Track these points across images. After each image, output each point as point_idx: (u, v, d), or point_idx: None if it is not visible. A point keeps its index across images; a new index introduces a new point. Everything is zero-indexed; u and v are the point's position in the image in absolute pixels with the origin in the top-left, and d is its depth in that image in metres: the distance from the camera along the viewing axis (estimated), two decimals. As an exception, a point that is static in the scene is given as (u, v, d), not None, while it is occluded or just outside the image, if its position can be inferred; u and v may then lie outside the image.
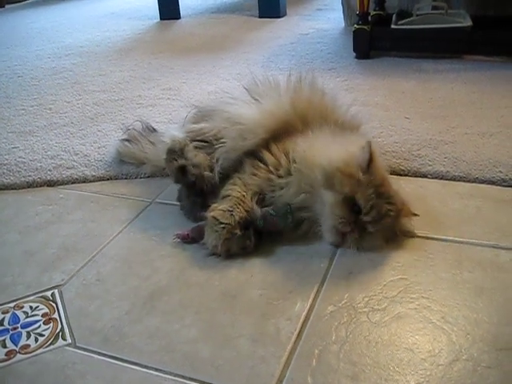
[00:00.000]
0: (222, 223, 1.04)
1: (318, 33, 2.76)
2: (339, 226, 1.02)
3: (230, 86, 1.97)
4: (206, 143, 1.20)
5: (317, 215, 1.06)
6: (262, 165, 1.11)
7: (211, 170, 1.16)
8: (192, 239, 1.10)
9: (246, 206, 1.07)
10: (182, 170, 1.15)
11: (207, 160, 1.17)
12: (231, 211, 1.05)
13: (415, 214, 1.08)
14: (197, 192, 1.16)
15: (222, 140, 1.18)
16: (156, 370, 0.82)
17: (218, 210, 1.06)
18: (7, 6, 4.29)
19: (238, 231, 1.04)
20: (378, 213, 1.01)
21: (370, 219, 1.01)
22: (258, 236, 1.07)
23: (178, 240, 1.11)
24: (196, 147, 1.20)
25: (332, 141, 1.09)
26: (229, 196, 1.09)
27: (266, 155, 1.12)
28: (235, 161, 1.17)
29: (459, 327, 0.86)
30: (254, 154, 1.14)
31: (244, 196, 1.08)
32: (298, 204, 1.06)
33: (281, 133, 1.14)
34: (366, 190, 1.01)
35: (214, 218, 1.05)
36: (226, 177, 1.16)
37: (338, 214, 1.01)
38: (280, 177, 1.09)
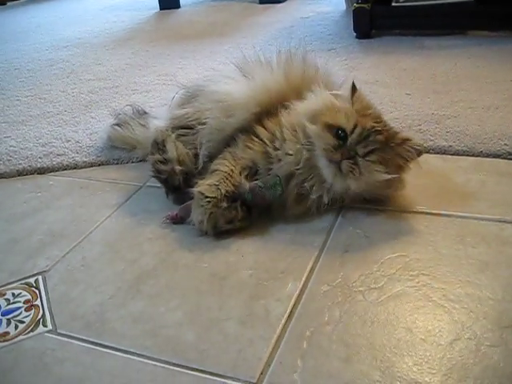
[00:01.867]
0: (207, 197, 1.00)
1: (318, 16, 2.71)
2: (329, 154, 0.98)
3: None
4: (190, 129, 1.16)
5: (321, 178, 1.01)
6: (255, 139, 1.06)
7: (193, 161, 1.13)
8: (181, 218, 1.06)
9: (234, 180, 1.03)
10: (160, 162, 1.13)
11: (184, 152, 1.14)
12: (217, 185, 1.01)
13: (408, 139, 1.03)
14: (172, 188, 1.13)
15: (205, 120, 1.13)
16: (138, 355, 0.78)
17: (204, 185, 1.02)
18: (9, 3, 4.27)
19: (225, 204, 0.99)
20: (364, 129, 0.97)
21: (357, 138, 0.97)
22: (248, 211, 1.03)
23: (168, 221, 1.07)
24: (179, 135, 1.16)
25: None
26: (216, 171, 1.05)
27: (259, 130, 1.08)
28: (223, 142, 1.12)
29: (461, 305, 0.80)
30: (248, 130, 1.09)
31: (232, 170, 1.04)
32: (302, 170, 1.02)
33: (275, 107, 1.09)
34: (348, 113, 0.99)
35: (200, 192, 1.01)
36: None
37: (324, 141, 0.98)
38: (276, 149, 1.05)
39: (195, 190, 1.02)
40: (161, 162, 1.13)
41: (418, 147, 1.01)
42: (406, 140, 1.01)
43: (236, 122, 1.10)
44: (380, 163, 0.99)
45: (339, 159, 0.97)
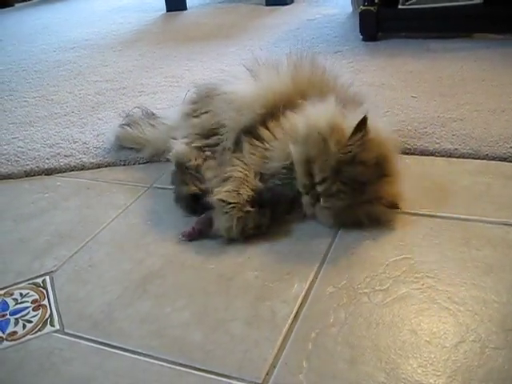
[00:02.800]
0: (230, 203, 0.99)
1: (324, 18, 2.71)
2: (299, 186, 0.99)
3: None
4: (215, 136, 1.16)
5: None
6: (258, 143, 1.07)
7: None
8: (199, 232, 1.02)
9: (251, 184, 1.02)
10: (196, 195, 1.09)
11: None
12: (237, 191, 1.00)
13: (396, 207, 1.00)
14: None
15: (223, 122, 1.14)
16: (144, 355, 0.78)
17: (223, 192, 1.01)
18: (16, 5, 4.29)
19: (250, 208, 0.99)
20: (328, 189, 0.96)
21: (320, 191, 0.97)
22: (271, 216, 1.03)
23: (184, 239, 1.03)
24: (207, 147, 1.16)
25: (328, 107, 1.03)
26: (231, 177, 1.04)
27: (263, 131, 1.07)
28: (235, 140, 1.13)
29: (466, 307, 0.81)
30: (251, 132, 1.09)
31: (247, 175, 1.03)
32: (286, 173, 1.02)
33: (279, 109, 1.09)
34: (328, 160, 0.95)
35: (221, 200, 0.99)
36: None
37: (299, 174, 0.99)
38: (271, 149, 1.05)
39: (214, 198, 1.00)
40: (198, 194, 1.09)
41: (393, 205, 0.99)
42: (379, 198, 0.99)
43: (245, 121, 1.10)
44: (335, 213, 0.99)
45: (306, 193, 0.99)
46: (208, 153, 1.16)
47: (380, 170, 0.98)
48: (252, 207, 1.00)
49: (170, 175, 1.19)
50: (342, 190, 0.96)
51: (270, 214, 1.02)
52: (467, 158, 1.22)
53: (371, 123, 0.98)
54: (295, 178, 1.01)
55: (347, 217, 1.00)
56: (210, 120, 1.18)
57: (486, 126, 1.33)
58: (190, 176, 1.11)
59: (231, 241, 1.00)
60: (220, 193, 1.01)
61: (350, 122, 0.97)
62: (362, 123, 0.95)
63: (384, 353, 0.74)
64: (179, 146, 1.18)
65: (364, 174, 0.96)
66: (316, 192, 0.98)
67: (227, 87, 1.17)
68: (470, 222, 1.00)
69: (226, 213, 0.99)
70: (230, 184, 1.02)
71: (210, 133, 1.17)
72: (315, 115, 1.01)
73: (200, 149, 1.16)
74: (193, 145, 1.17)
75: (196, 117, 1.22)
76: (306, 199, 1.00)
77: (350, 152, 0.95)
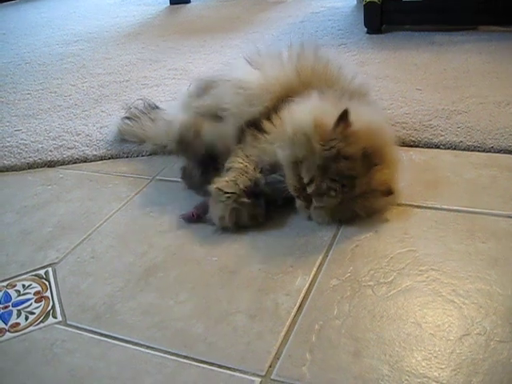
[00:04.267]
0: (226, 193, 0.99)
1: (328, 11, 2.69)
2: (291, 189, 0.99)
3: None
4: (217, 118, 1.16)
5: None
6: (260, 135, 1.06)
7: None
8: (198, 216, 1.05)
9: (250, 175, 1.02)
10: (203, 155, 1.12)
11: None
12: (234, 181, 1.01)
13: (391, 193, 0.98)
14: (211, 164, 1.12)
15: (225, 106, 1.13)
16: (146, 347, 0.78)
17: (221, 181, 1.02)
18: (20, -2, 4.28)
19: (245, 199, 0.99)
20: (318, 188, 0.95)
21: (311, 192, 0.96)
22: (266, 207, 1.03)
23: (183, 221, 1.05)
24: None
25: (314, 103, 1.01)
26: (231, 168, 1.05)
27: (266, 124, 1.06)
28: (238, 129, 1.12)
29: (471, 300, 0.80)
30: (254, 124, 1.08)
31: (247, 166, 1.04)
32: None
33: (284, 101, 1.08)
34: (313, 159, 0.94)
35: (218, 188, 1.00)
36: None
37: (289, 176, 0.98)
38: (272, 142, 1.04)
39: (212, 187, 1.01)
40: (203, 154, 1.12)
41: (387, 191, 0.98)
42: (372, 190, 0.97)
43: (254, 112, 1.09)
44: (330, 212, 0.98)
45: (298, 197, 0.99)
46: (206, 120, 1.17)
47: (369, 161, 0.96)
48: (248, 198, 1.00)
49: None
50: (332, 187, 0.94)
51: (265, 204, 1.02)
52: (472, 150, 1.21)
53: (357, 115, 0.96)
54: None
55: (343, 213, 0.99)
56: (212, 103, 1.18)
57: (491, 119, 1.32)
58: (191, 142, 1.15)
59: (232, 232, 1.00)
60: (218, 182, 1.02)
61: (332, 118, 0.95)
62: (343, 117, 0.93)
63: (388, 345, 0.74)
64: (181, 117, 1.20)
65: (351, 168, 0.94)
66: (307, 193, 0.97)
67: (234, 74, 1.16)
68: (474, 215, 0.99)
69: (221, 202, 1.00)
70: (230, 174, 1.03)
71: (212, 115, 1.17)
72: (299, 115, 1.00)
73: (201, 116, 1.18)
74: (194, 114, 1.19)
75: (199, 98, 1.23)
76: (299, 203, 1.00)
77: (333, 147, 0.93)
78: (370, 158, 0.96)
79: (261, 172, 1.03)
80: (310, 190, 0.96)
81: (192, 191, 1.14)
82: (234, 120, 1.12)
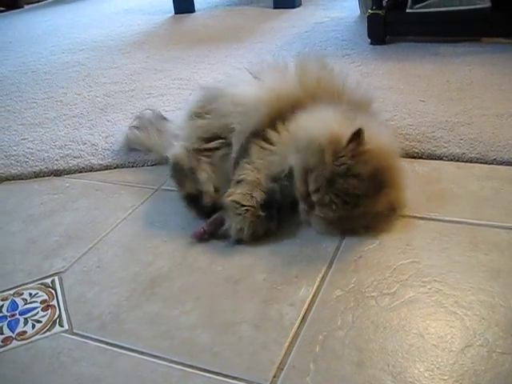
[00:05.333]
0: (244, 206, 1.00)
1: (332, 21, 2.71)
2: (296, 190, 1.00)
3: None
4: (220, 139, 1.17)
5: None
6: (267, 145, 1.07)
7: (225, 178, 1.12)
8: (209, 234, 1.03)
9: (263, 187, 1.03)
10: (194, 196, 1.11)
11: (215, 175, 1.12)
12: (250, 194, 1.02)
13: (394, 211, 1.01)
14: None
15: (231, 126, 1.14)
16: (152, 356, 0.79)
17: (237, 194, 1.02)
18: (26, 7, 4.31)
19: (261, 213, 1.01)
20: (321, 199, 0.96)
21: (316, 200, 0.97)
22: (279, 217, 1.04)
23: (194, 240, 1.04)
24: (206, 151, 1.16)
25: (331, 115, 1.02)
26: (243, 180, 1.05)
27: (271, 134, 1.07)
28: (242, 144, 1.13)
29: (473, 312, 0.81)
30: (259, 135, 1.09)
31: (258, 179, 1.04)
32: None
33: (289, 111, 1.09)
34: (323, 171, 0.95)
35: (235, 201, 1.01)
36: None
37: (297, 182, 0.99)
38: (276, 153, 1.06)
39: (227, 199, 1.02)
40: (195, 195, 1.11)
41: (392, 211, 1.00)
42: (376, 211, 0.99)
43: (253, 123, 1.10)
44: (328, 223, 0.99)
45: (302, 201, 1.00)
46: (204, 157, 1.16)
47: (377, 183, 0.96)
48: (262, 211, 1.01)
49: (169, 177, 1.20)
50: (334, 202, 0.95)
51: (278, 218, 1.03)
52: (475, 162, 1.22)
53: (371, 133, 0.97)
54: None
55: (341, 227, 1.00)
56: (214, 123, 1.18)
57: (494, 131, 1.33)
58: (186, 177, 1.13)
59: (239, 242, 1.01)
60: (234, 194, 1.02)
61: (348, 133, 0.95)
62: (357, 135, 0.94)
63: (391, 356, 0.75)
64: (176, 149, 1.18)
65: (358, 187, 0.95)
66: (311, 200, 0.98)
67: (231, 89, 1.17)
68: (477, 227, 1.00)
69: (239, 214, 1.00)
70: (244, 187, 1.03)
71: (213, 136, 1.17)
72: (317, 124, 1.00)
73: (198, 151, 1.17)
74: (191, 147, 1.17)
75: (200, 118, 1.21)
76: (302, 206, 1.01)
77: (344, 164, 0.94)
78: (380, 179, 0.97)
79: (270, 182, 1.04)
80: (314, 198, 0.97)
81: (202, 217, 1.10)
82: (236, 136, 1.13)
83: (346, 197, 0.95)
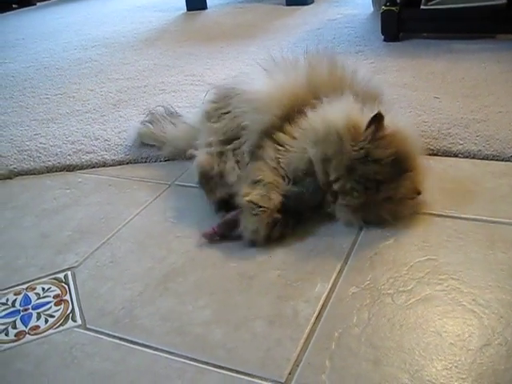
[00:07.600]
0: (261, 206, 0.98)
1: (345, 18, 2.69)
2: (319, 182, 0.99)
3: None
4: (234, 140, 1.16)
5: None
6: (283, 142, 1.05)
7: None
8: (221, 235, 1.01)
9: (280, 190, 1.01)
10: (225, 201, 1.08)
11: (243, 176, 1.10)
12: (268, 195, 0.99)
13: (418, 193, 0.99)
14: None
15: (244, 125, 1.13)
16: (166, 352, 0.78)
17: (254, 194, 1.00)
18: (38, 4, 4.33)
19: (278, 216, 0.99)
20: (342, 187, 0.96)
21: (336, 189, 0.96)
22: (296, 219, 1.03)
23: (205, 239, 1.02)
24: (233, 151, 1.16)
25: (347, 105, 1.01)
26: (261, 181, 1.02)
27: (281, 136, 1.06)
28: (256, 143, 1.12)
29: (491, 310, 0.79)
30: (273, 133, 1.08)
31: (276, 180, 1.02)
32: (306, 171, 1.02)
33: (294, 111, 1.07)
34: (342, 159, 0.95)
35: (252, 202, 0.98)
36: None
37: (319, 172, 0.98)
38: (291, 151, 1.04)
39: (244, 199, 0.99)
40: (226, 200, 1.08)
41: (415, 192, 0.99)
42: (400, 196, 0.98)
43: (264, 121, 1.09)
44: (355, 210, 0.98)
45: (325, 191, 0.99)
46: (229, 157, 1.15)
47: (399, 167, 0.96)
48: (279, 214, 0.99)
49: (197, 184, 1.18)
50: (356, 189, 0.95)
51: (294, 223, 1.02)
52: (491, 159, 1.21)
53: (391, 120, 0.96)
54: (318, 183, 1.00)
55: (367, 214, 0.99)
56: (230, 124, 1.17)
57: (511, 128, 1.31)
58: (215, 183, 1.12)
59: (253, 244, 0.99)
60: (250, 194, 1.00)
61: (366, 119, 0.95)
62: (375, 120, 0.94)
63: (408, 354, 0.73)
64: (200, 156, 1.17)
65: (378, 172, 0.95)
66: (333, 190, 0.98)
67: (244, 87, 1.16)
68: (494, 224, 0.99)
69: (256, 215, 0.98)
70: (261, 188, 1.01)
71: (231, 137, 1.16)
72: (333, 113, 1.00)
73: (221, 154, 1.16)
74: (214, 152, 1.16)
75: (216, 121, 1.20)
76: (327, 196, 1.00)
77: (362, 149, 0.94)
78: (401, 163, 0.96)
79: (287, 185, 1.03)
80: (335, 187, 0.97)
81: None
82: (249, 134, 1.12)
83: (367, 182, 0.94)
